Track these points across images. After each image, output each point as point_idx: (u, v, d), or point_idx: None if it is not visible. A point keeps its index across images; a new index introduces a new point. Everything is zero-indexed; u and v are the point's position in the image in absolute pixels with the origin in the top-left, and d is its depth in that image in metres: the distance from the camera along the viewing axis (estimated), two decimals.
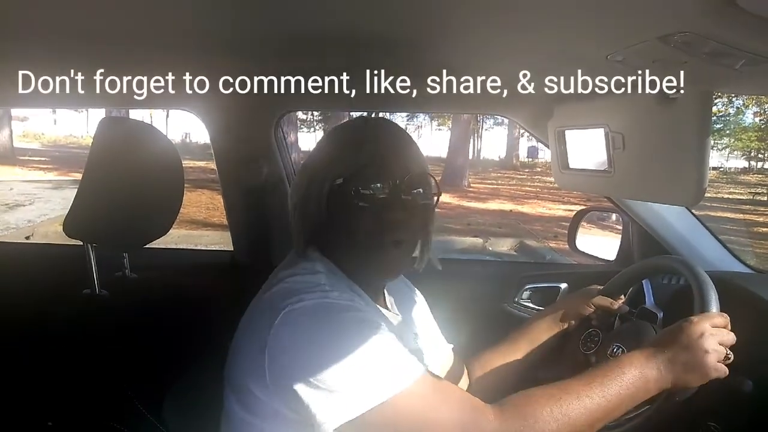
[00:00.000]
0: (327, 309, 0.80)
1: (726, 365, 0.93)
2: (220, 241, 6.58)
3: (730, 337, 0.95)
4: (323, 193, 0.90)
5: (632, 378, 0.89)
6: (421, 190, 0.94)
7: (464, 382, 1.21)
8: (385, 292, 1.06)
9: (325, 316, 0.80)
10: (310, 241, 0.94)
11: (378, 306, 1.00)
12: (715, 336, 0.93)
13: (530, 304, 1.69)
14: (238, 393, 0.85)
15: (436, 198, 0.98)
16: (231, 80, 1.31)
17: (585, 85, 1.11)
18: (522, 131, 23.10)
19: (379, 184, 0.90)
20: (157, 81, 1.31)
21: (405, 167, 0.92)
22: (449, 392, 0.84)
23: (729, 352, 0.94)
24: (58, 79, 1.24)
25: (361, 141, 0.93)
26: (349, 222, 0.90)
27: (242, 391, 0.84)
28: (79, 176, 1.11)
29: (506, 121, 24.33)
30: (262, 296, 0.88)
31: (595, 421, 0.85)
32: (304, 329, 0.79)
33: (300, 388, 0.76)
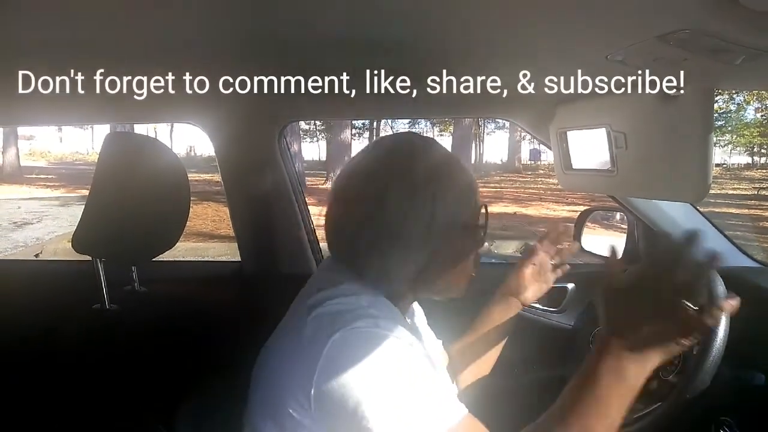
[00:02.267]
0: (375, 338, 0.77)
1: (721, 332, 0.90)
2: (226, 252, 6.60)
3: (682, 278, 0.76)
4: (449, 240, 0.87)
5: (608, 381, 0.78)
6: None
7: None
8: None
9: (375, 347, 0.76)
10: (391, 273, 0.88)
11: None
12: (649, 290, 0.78)
13: (537, 305, 1.69)
14: (278, 420, 0.82)
15: None
16: (234, 92, 1.32)
17: (586, 85, 1.12)
18: (524, 134, 23.15)
19: (482, 221, 0.93)
20: (162, 95, 1.33)
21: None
22: None
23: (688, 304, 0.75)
24: (61, 95, 1.25)
25: (464, 174, 0.91)
26: (458, 255, 0.91)
27: (283, 419, 0.81)
28: (86, 192, 1.12)
29: (507, 124, 24.34)
30: (302, 320, 0.82)
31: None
32: (354, 358, 0.75)
33: (345, 417, 0.75)
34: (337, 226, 0.90)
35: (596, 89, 1.10)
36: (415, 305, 1.18)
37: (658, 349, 0.77)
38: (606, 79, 1.02)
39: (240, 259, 1.75)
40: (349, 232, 0.87)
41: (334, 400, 0.75)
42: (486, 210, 0.95)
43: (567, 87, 1.16)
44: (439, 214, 0.84)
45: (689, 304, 0.74)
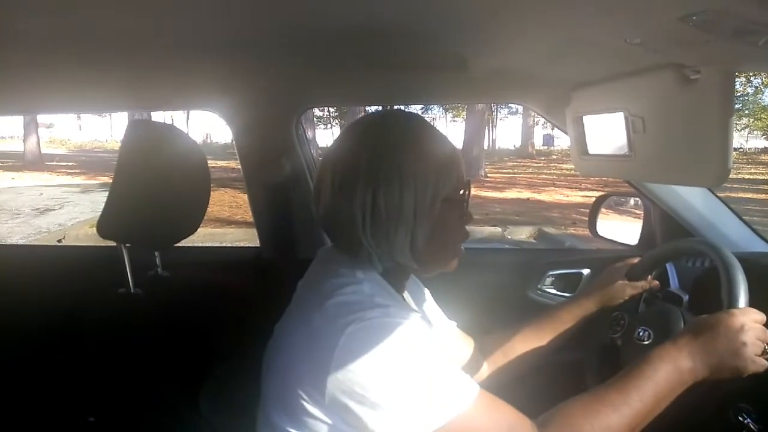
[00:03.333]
0: (389, 328, 0.78)
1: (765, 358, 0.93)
2: (244, 238, 6.65)
3: None
4: (435, 208, 0.87)
5: (666, 373, 0.88)
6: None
7: (473, 360, 1.23)
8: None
9: (388, 336, 0.78)
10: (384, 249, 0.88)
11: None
12: (754, 330, 0.92)
13: (553, 291, 1.69)
14: (291, 411, 0.83)
15: None
16: (252, 79, 1.33)
17: (603, 69, 1.11)
18: (537, 119, 22.96)
19: (463, 191, 0.93)
20: (180, 82, 1.35)
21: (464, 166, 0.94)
22: (502, 413, 0.83)
23: (767, 347, 0.93)
24: (81, 83, 1.27)
25: (442, 144, 0.90)
26: (441, 229, 0.89)
27: (296, 409, 0.82)
28: (105, 179, 1.14)
29: (521, 110, 24.16)
30: (313, 311, 0.83)
31: (636, 426, 0.85)
32: (368, 350, 0.77)
33: (362, 409, 0.76)
34: (327, 211, 0.90)
35: (614, 73, 1.09)
36: (419, 285, 1.20)
37: (720, 365, 0.90)
38: (624, 63, 1.02)
39: (259, 245, 1.77)
40: (342, 218, 0.87)
41: (350, 391, 0.76)
42: (468, 183, 0.94)
43: (584, 72, 1.15)
44: (421, 189, 0.85)
45: None
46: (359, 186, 0.84)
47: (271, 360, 0.90)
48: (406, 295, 1.07)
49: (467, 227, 0.96)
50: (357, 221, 0.85)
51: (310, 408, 0.80)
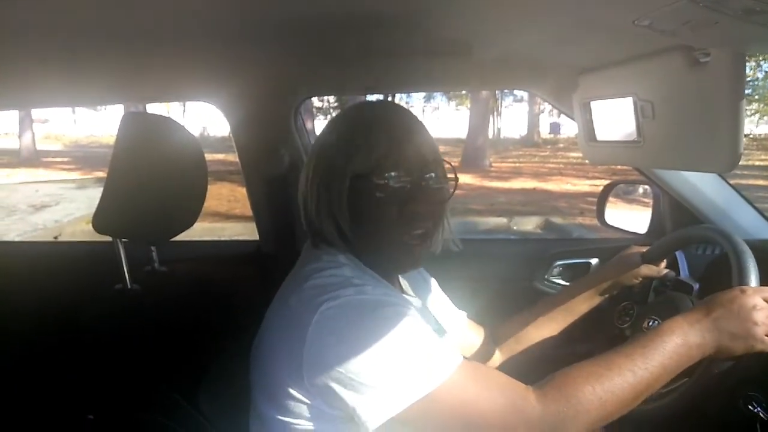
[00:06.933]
0: (363, 305, 0.79)
1: None
2: (243, 232, 6.63)
3: None
4: (344, 189, 0.87)
5: (674, 346, 0.87)
6: (434, 174, 0.91)
7: (484, 348, 1.23)
8: (399, 276, 1.06)
9: (362, 313, 0.78)
10: (327, 233, 0.91)
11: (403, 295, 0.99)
12: (766, 310, 0.91)
13: (561, 281, 1.67)
14: (275, 398, 0.83)
15: (454, 184, 0.95)
16: (249, 69, 1.30)
17: (611, 53, 1.08)
18: (543, 107, 22.84)
19: (396, 174, 0.87)
20: (177, 74, 1.32)
21: (421, 155, 0.89)
22: (489, 378, 0.82)
23: None
24: (75, 76, 1.25)
25: (375, 130, 0.88)
26: (371, 216, 0.88)
27: (280, 396, 0.82)
28: (101, 175, 1.12)
29: (526, 97, 24.04)
30: (290, 295, 0.85)
31: (638, 394, 0.83)
32: (342, 327, 0.77)
33: (340, 387, 0.75)
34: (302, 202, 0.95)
35: (622, 57, 1.06)
36: (425, 275, 1.20)
37: (730, 342, 0.90)
38: (632, 46, 0.99)
39: (257, 239, 1.75)
40: (306, 205, 0.93)
41: (328, 369, 0.76)
42: (416, 173, 0.88)
43: (592, 56, 1.12)
44: (329, 167, 0.89)
45: None
46: (304, 174, 0.93)
47: (256, 350, 0.91)
48: (404, 283, 1.07)
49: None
50: (307, 209, 0.93)
51: (292, 391, 0.80)
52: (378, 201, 0.86)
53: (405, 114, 0.93)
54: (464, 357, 0.82)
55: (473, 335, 1.23)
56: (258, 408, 0.88)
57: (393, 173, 0.86)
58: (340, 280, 0.82)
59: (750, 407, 1.04)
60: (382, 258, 0.92)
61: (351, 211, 0.88)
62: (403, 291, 1.04)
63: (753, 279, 0.97)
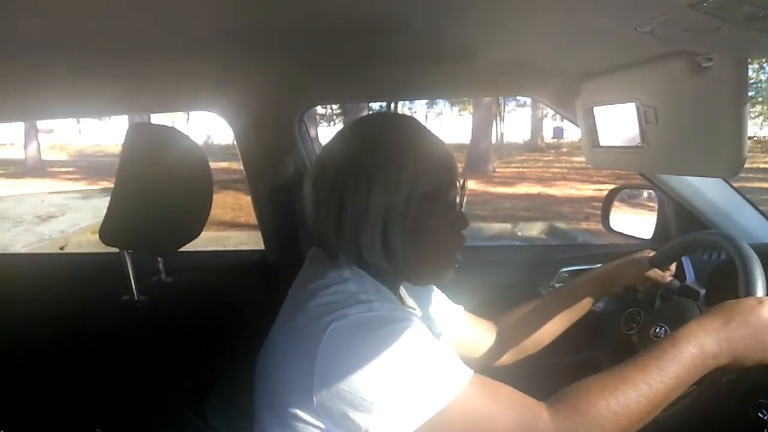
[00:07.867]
0: (371, 322, 0.77)
1: None
2: (247, 241, 6.61)
3: None
4: (410, 206, 0.84)
5: (690, 356, 0.84)
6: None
7: (486, 342, 1.22)
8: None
9: (371, 330, 0.76)
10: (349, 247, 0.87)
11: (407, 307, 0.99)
12: None
13: None
14: (282, 418, 0.81)
15: (463, 194, 0.95)
16: (253, 78, 1.31)
17: (613, 59, 1.08)
18: (546, 112, 22.82)
19: (454, 191, 0.89)
20: (181, 84, 1.33)
21: (457, 170, 0.91)
22: (501, 394, 0.80)
23: None
24: (81, 88, 1.26)
25: (427, 146, 0.88)
26: (432, 234, 0.87)
27: (287, 417, 0.80)
28: (107, 184, 1.13)
29: (529, 102, 24.06)
30: (297, 313, 0.83)
31: (654, 407, 0.81)
32: (351, 347, 0.75)
33: (352, 410, 0.74)
34: (312, 214, 0.90)
35: (624, 63, 1.07)
36: (432, 287, 1.18)
37: (745, 352, 0.87)
38: (634, 52, 0.99)
39: (263, 248, 1.76)
40: (322, 218, 0.87)
41: (337, 391, 0.74)
42: (463, 185, 0.92)
43: (594, 62, 1.12)
44: (393, 187, 0.83)
45: None
46: (327, 186, 0.86)
47: (261, 365, 0.90)
48: (402, 292, 1.05)
49: (462, 236, 0.93)
50: (323, 220, 0.87)
51: (300, 413, 0.79)
52: (437, 222, 0.87)
53: (430, 130, 0.94)
54: (467, 353, 0.81)
55: (474, 330, 1.21)
56: (262, 424, 0.87)
57: (452, 191, 0.89)
58: (346, 297, 0.80)
59: (760, 414, 1.03)
60: (421, 275, 0.92)
61: (412, 230, 0.85)
62: (403, 302, 1.03)
63: (760, 285, 0.95)
